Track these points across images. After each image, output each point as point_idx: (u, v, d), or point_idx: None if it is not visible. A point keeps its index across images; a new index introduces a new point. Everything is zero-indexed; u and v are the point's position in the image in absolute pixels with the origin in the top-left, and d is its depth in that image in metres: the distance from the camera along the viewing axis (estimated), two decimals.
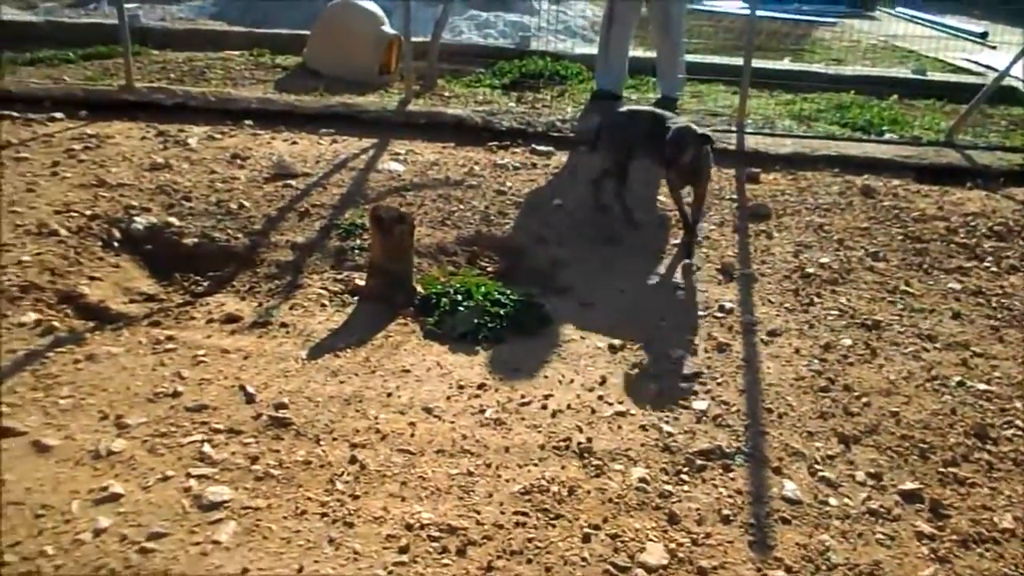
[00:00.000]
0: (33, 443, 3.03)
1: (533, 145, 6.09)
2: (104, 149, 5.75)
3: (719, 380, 3.65)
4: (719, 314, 4.18)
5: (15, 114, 6.31)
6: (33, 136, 5.94)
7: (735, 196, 5.52)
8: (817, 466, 3.13)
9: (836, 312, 4.23)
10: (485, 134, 6.29)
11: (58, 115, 6.36)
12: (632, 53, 7.21)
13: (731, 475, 3.06)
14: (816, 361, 3.82)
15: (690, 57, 7.52)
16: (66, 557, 2.54)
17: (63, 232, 4.59)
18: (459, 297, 4.12)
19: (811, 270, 4.62)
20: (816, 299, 4.35)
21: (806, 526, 2.84)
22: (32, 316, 3.88)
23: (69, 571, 2.49)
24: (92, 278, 4.32)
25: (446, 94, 7.25)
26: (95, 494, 2.80)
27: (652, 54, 7.32)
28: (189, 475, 2.91)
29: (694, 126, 4.61)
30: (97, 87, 6.94)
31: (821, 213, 5.32)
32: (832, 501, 2.95)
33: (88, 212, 4.82)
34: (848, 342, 3.97)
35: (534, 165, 5.82)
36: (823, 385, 3.63)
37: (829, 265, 4.68)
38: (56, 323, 3.86)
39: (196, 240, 4.73)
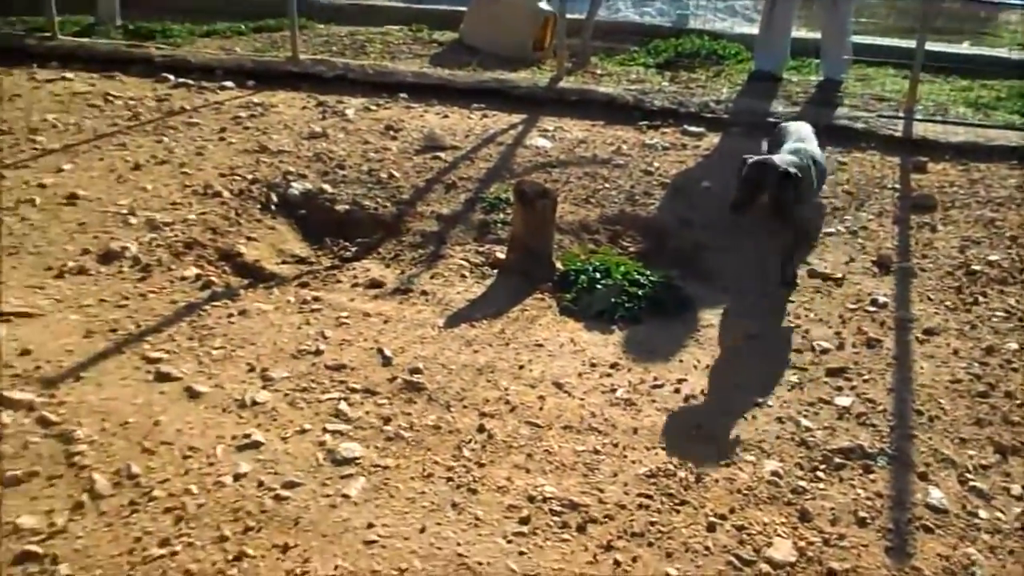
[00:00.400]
0: (186, 389, 3.23)
1: (684, 126, 5.94)
2: (268, 117, 6.02)
3: (866, 377, 3.46)
4: (871, 308, 3.96)
5: (190, 82, 6.70)
6: (205, 103, 6.28)
7: (898, 185, 5.20)
8: (968, 475, 2.92)
9: (1003, 313, 3.93)
10: (635, 113, 6.19)
11: (228, 84, 6.70)
12: (795, 33, 6.90)
13: (871, 477, 2.90)
14: (976, 364, 3.56)
15: (857, 38, 7.12)
16: (208, 497, 2.69)
17: (226, 194, 4.85)
18: (598, 275, 4.08)
19: (977, 267, 4.30)
20: (981, 298, 4.05)
21: (951, 537, 2.66)
22: (193, 271, 4.13)
23: (210, 510, 2.64)
24: (249, 238, 4.54)
25: (598, 72, 7.17)
26: (238, 440, 2.95)
27: (816, 34, 6.99)
28: (325, 430, 3.03)
29: (775, 160, 3.83)
30: (265, 58, 7.27)
31: (993, 207, 4.93)
32: (982, 513, 2.75)
33: (250, 176, 5.06)
34: (1014, 346, 3.67)
35: (684, 146, 5.68)
36: (982, 390, 3.38)
37: (999, 263, 4.34)
38: (214, 278, 4.09)
39: (347, 207, 4.88)
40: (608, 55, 7.76)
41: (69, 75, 6.76)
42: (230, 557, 2.47)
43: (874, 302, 4.00)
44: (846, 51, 6.64)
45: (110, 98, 6.25)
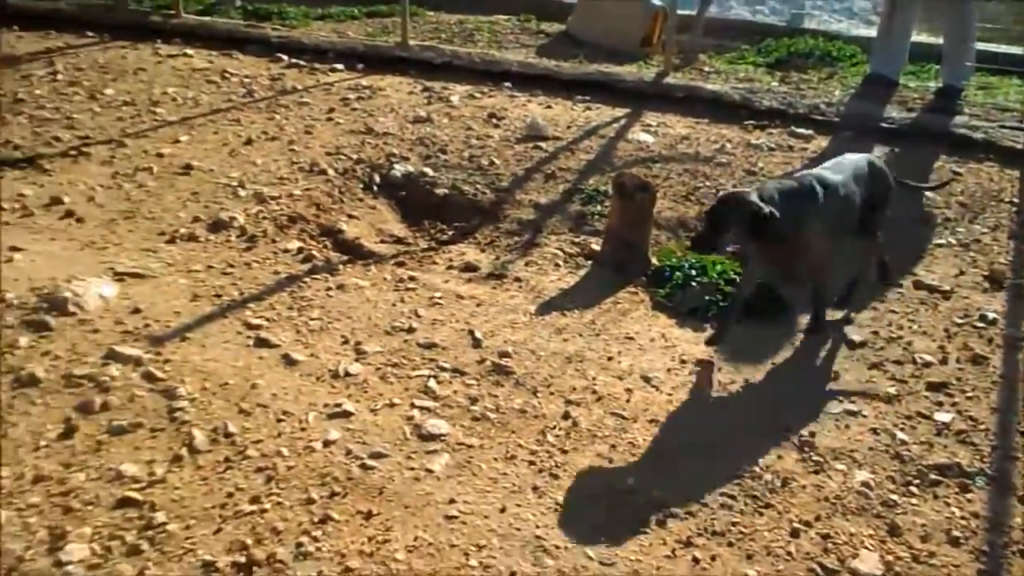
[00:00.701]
0: (283, 356, 3.34)
1: (792, 127, 5.80)
2: (375, 100, 6.14)
3: (969, 394, 3.32)
4: (979, 324, 3.79)
5: (303, 63, 6.89)
6: (316, 83, 6.46)
7: (1016, 199, 4.97)
8: None
9: None
10: (742, 112, 6.07)
11: (339, 66, 6.86)
12: (915, 37, 6.65)
13: (968, 496, 2.79)
14: None
15: (981, 45, 6.81)
16: (298, 460, 2.78)
17: (331, 172, 4.97)
18: (693, 272, 4.03)
19: None
20: None
21: None
22: (296, 244, 4.25)
23: (298, 473, 2.72)
24: (351, 216, 4.65)
25: (706, 69, 7.06)
26: (329, 409, 3.03)
27: (938, 39, 6.72)
28: (413, 405, 3.08)
29: (745, 195, 3.27)
30: (375, 43, 7.41)
31: None
32: None
33: (354, 156, 5.18)
34: None
35: (790, 148, 5.55)
36: None
37: None
38: (315, 253, 4.20)
39: (446, 191, 4.94)
40: (717, 53, 7.64)
41: (190, 52, 7.05)
42: (316, 519, 2.54)
43: (983, 318, 3.83)
44: (968, 58, 6.36)
45: (227, 75, 6.49)
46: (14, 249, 3.90)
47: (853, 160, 3.73)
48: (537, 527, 2.58)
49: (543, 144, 5.48)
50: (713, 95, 6.26)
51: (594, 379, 3.31)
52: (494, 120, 5.80)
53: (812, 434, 3.05)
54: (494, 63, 6.90)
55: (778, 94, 6.32)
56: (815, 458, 2.93)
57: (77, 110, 5.71)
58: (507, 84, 6.54)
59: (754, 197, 3.23)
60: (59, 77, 6.29)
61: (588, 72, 6.73)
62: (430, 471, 2.77)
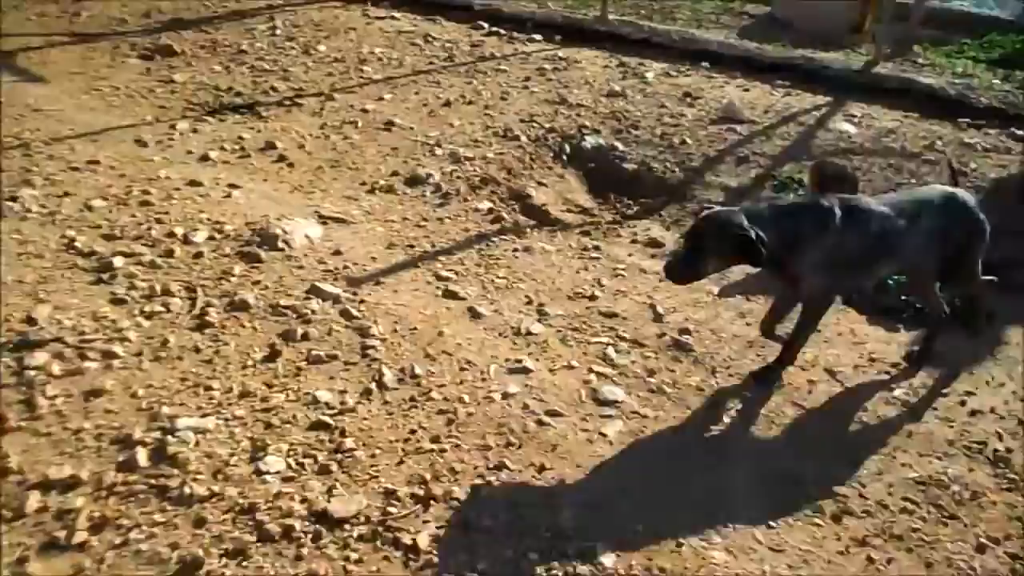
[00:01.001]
0: (469, 309, 3.45)
1: (1012, 128, 5.40)
2: (570, 72, 6.18)
3: None
4: None
5: (502, 31, 7.02)
6: (514, 52, 6.57)
7: None
8: None
9: None
10: (957, 109, 5.69)
11: (537, 36, 6.95)
12: None
13: None
14: None
15: None
16: (477, 408, 2.88)
17: (523, 139, 5.06)
18: None
19: None
20: None
21: None
22: (486, 204, 4.37)
23: (477, 420, 2.82)
24: (540, 183, 4.73)
25: (919, 61, 6.66)
26: (510, 364, 3.12)
27: None
28: (591, 370, 3.13)
29: (730, 215, 2.81)
30: (574, 15, 7.44)
31: None
32: None
33: (547, 125, 5.25)
34: None
35: (1008, 150, 5.16)
36: None
37: None
38: (504, 215, 4.30)
39: (635, 166, 4.93)
40: (933, 45, 7.18)
41: (397, 15, 7.33)
42: (491, 465, 2.64)
43: None
44: None
45: (430, 39, 6.71)
46: (232, 186, 4.22)
47: (925, 191, 3.25)
48: (708, 503, 2.57)
49: (738, 127, 5.36)
50: (927, 89, 5.90)
51: None
52: (689, 99, 5.71)
53: (1009, 450, 2.87)
54: (693, 42, 6.78)
55: (999, 92, 5.89)
56: (1010, 475, 2.77)
57: (292, 63, 6.08)
58: (705, 64, 6.42)
59: (740, 218, 2.78)
60: (277, 32, 6.70)
61: (791, 56, 6.50)
62: (603, 434, 2.81)
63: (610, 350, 3.25)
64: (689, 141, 5.16)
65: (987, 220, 3.14)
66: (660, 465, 2.71)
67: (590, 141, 5.12)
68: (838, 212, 2.86)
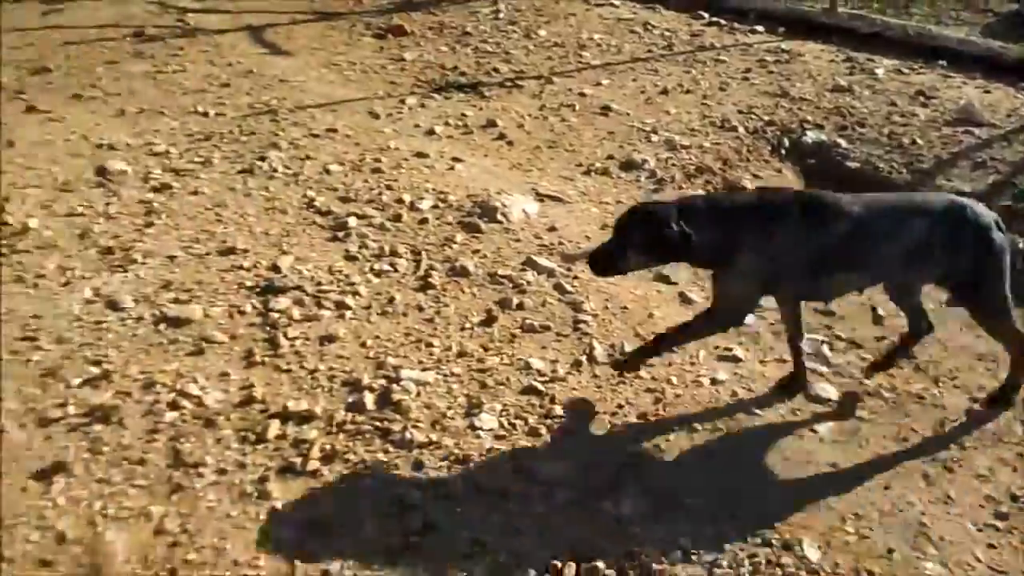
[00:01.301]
0: (680, 294, 3.50)
1: None
2: (792, 64, 6.00)
3: None
4: None
5: (723, 21, 6.90)
6: (734, 43, 6.45)
7: None
8: None
9: None
10: None
11: (759, 28, 6.78)
12: None
13: None
14: None
15: None
16: (685, 391, 2.90)
17: (741, 130, 4.98)
18: None
19: None
20: None
21: None
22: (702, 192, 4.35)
23: (684, 402, 2.84)
24: (755, 176, 4.64)
25: None
26: (719, 351, 3.12)
27: None
28: None
29: (662, 205, 2.72)
30: (799, 7, 7.20)
31: None
32: None
33: (766, 117, 5.13)
34: None
35: None
36: None
37: None
38: None
39: (858, 165, 4.74)
40: None
41: (616, 2, 7.35)
42: (696, 446, 2.65)
43: None
44: None
45: (649, 27, 6.70)
46: (456, 160, 4.42)
47: (926, 197, 2.91)
48: (922, 513, 2.47)
49: (975, 130, 5.02)
50: None
51: None
52: (922, 98, 5.41)
53: None
54: (929, 38, 6.40)
55: None
56: None
57: (513, 46, 6.25)
58: (941, 62, 6.04)
59: (669, 211, 2.59)
60: (500, 16, 6.90)
61: None
62: (814, 432, 2.75)
63: (825, 348, 3.17)
64: (920, 142, 4.89)
65: (1009, 240, 2.70)
66: (873, 470, 2.62)
67: (811, 136, 4.96)
68: (794, 212, 2.60)
